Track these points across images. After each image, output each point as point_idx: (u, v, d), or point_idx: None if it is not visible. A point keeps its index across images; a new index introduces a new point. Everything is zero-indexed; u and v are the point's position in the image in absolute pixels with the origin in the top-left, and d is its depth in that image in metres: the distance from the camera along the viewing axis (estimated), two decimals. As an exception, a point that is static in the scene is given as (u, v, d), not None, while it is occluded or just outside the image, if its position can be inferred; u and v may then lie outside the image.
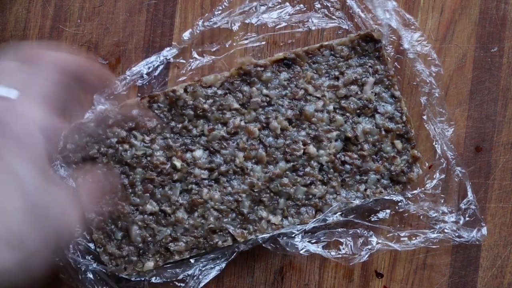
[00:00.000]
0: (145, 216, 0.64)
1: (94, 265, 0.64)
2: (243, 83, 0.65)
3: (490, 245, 0.69)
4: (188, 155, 0.64)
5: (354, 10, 0.67)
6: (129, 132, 0.64)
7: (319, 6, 0.68)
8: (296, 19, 0.68)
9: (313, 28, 0.68)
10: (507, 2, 0.69)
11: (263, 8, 0.67)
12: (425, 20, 0.68)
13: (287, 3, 0.69)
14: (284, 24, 0.68)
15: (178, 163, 0.64)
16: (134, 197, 0.64)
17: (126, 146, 0.64)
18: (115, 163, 0.64)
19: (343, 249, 0.67)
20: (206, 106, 0.64)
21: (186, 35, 0.68)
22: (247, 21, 0.68)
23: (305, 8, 0.68)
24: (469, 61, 0.69)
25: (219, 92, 0.65)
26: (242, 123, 0.65)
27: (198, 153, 0.64)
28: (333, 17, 0.68)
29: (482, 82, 0.69)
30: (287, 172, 0.65)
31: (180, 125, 0.65)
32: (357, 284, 0.69)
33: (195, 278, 0.66)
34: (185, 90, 0.65)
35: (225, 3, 0.68)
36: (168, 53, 0.68)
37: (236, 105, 0.65)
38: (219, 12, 0.68)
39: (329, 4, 0.68)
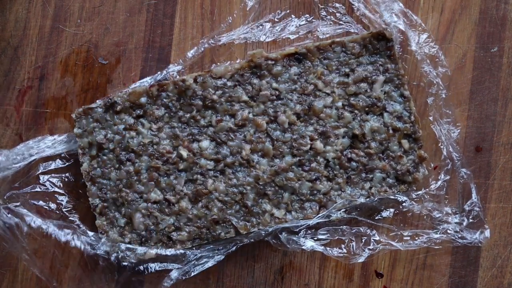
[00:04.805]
0: (149, 204, 0.64)
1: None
2: (253, 76, 0.65)
3: (490, 245, 0.69)
4: (195, 145, 0.64)
5: (362, 12, 0.67)
6: (136, 120, 0.65)
7: (324, 13, 0.68)
8: (304, 30, 0.68)
9: (322, 36, 0.68)
10: (507, 2, 0.69)
11: (269, 24, 0.68)
12: (425, 20, 0.68)
13: (293, 16, 0.69)
14: (293, 36, 0.68)
15: (184, 153, 0.64)
16: (139, 184, 0.64)
17: (133, 133, 0.64)
18: (121, 150, 0.64)
19: (345, 247, 0.67)
20: (215, 97, 0.64)
21: (191, 52, 0.68)
22: (256, 39, 0.68)
23: (311, 18, 0.68)
24: (469, 61, 0.69)
25: (229, 83, 0.65)
26: (250, 115, 0.65)
27: (205, 143, 0.64)
28: (341, 22, 0.68)
29: (482, 82, 0.69)
30: (292, 167, 0.65)
31: (188, 115, 0.65)
32: (357, 284, 0.69)
33: (191, 263, 0.66)
34: (195, 80, 0.64)
35: (229, 21, 0.68)
36: (174, 69, 0.68)
37: (245, 97, 0.65)
38: (223, 30, 0.68)
39: (334, 11, 0.68)
